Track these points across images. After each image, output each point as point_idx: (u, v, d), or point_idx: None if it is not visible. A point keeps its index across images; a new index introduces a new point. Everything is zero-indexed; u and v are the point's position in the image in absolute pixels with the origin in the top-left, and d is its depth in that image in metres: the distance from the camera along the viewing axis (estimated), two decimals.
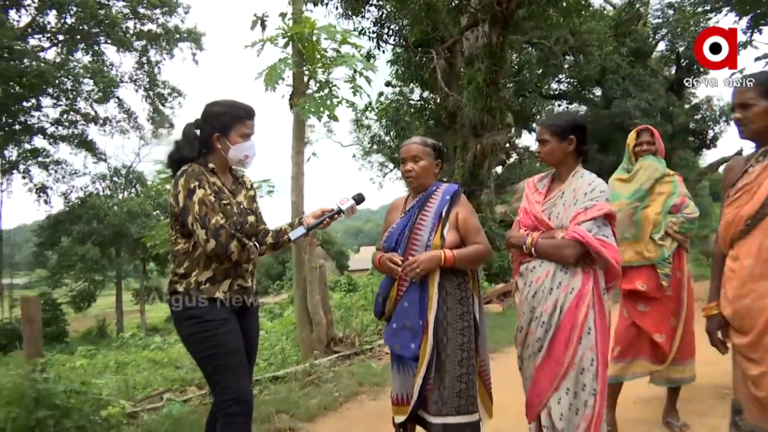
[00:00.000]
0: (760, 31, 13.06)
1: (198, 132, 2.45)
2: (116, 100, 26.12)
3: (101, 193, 28.62)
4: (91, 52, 24.62)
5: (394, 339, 2.50)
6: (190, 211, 2.25)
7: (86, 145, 26.08)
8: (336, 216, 2.52)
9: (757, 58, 12.34)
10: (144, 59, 26.04)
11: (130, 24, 24.99)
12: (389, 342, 2.54)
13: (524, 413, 2.48)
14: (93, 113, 25.81)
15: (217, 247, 2.24)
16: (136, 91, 26.68)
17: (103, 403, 3.48)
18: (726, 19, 14.27)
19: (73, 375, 5.68)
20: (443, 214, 2.49)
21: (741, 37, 14.68)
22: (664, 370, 3.32)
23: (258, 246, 2.46)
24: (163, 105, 27.21)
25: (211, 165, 2.42)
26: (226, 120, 2.41)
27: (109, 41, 24.51)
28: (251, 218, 2.48)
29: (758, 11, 12.51)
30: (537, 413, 2.33)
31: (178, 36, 25.82)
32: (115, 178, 29.63)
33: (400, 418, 2.54)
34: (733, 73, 14.62)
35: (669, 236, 3.21)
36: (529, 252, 2.36)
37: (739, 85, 2.11)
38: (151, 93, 26.65)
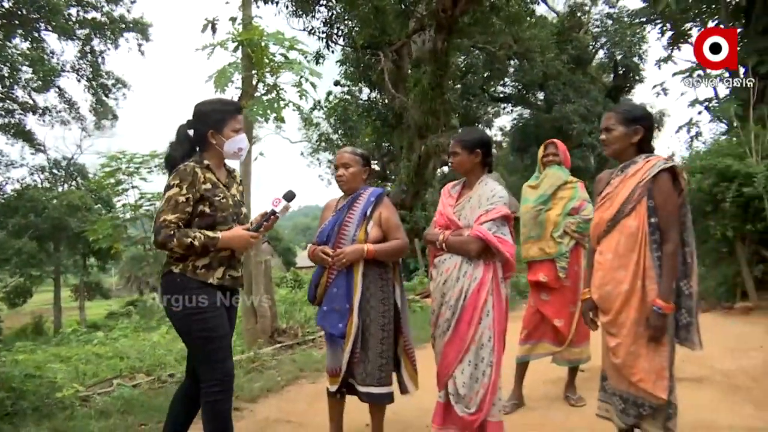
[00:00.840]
0: (679, 48, 14.10)
1: (191, 132, 2.61)
2: (57, 90, 25.25)
3: (40, 186, 27.63)
4: (30, 39, 23.67)
5: (325, 320, 2.94)
6: (161, 201, 2.47)
7: (24, 135, 25.13)
8: (273, 218, 2.66)
9: (675, 74, 13.27)
10: (87, 48, 25.23)
11: (73, 11, 24.18)
12: (321, 323, 2.97)
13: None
14: (31, 102, 24.92)
15: (155, 241, 2.45)
16: (79, 80, 25.81)
17: (58, 387, 3.70)
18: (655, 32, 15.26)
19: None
20: (368, 213, 2.94)
21: (662, 53, 15.79)
22: (563, 352, 3.84)
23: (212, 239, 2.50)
24: (106, 96, 26.42)
25: (206, 162, 2.57)
26: (219, 116, 2.57)
27: (50, 28, 23.65)
28: (244, 209, 2.67)
29: (673, 32, 13.51)
30: (445, 383, 2.77)
31: (123, 26, 25.11)
32: (55, 170, 28.54)
33: (333, 387, 2.99)
34: (654, 86, 15.63)
35: (567, 235, 3.75)
36: (441, 247, 2.80)
37: (608, 112, 2.61)
38: (94, 83, 25.82)
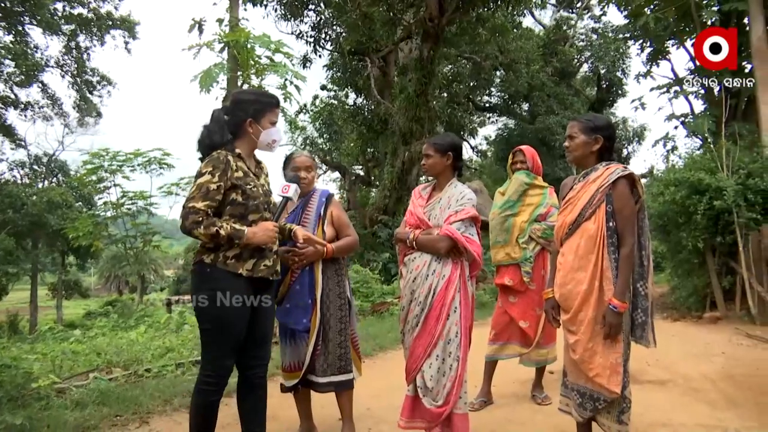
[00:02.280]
0: (657, 64, 14.47)
1: (227, 118, 2.61)
2: (40, 85, 24.92)
3: (19, 181, 27.25)
4: (13, 32, 23.39)
5: (288, 317, 3.08)
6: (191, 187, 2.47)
7: (4, 129, 24.74)
8: (288, 203, 2.75)
9: (652, 89, 13.62)
10: (72, 44, 25.00)
11: (59, 6, 23.95)
12: (283, 319, 3.10)
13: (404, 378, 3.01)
14: (13, 97, 24.61)
15: (181, 226, 2.42)
16: (63, 76, 25.50)
17: (33, 377, 3.74)
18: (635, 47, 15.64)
19: None
20: (322, 213, 3.15)
21: (642, 68, 16.18)
22: (530, 353, 3.97)
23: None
24: (91, 93, 26.16)
25: (238, 150, 2.57)
26: (258, 107, 2.59)
27: (35, 22, 23.42)
28: (272, 198, 2.68)
29: (653, 48, 13.88)
30: (414, 377, 2.87)
31: (110, 23, 24.93)
32: (36, 166, 28.13)
33: (292, 382, 3.14)
34: (633, 100, 16.01)
35: (533, 240, 3.88)
36: (411, 245, 2.91)
37: (572, 120, 2.76)
38: (78, 80, 25.58)
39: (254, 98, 2.69)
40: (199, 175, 2.47)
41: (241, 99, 2.68)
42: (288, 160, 3.36)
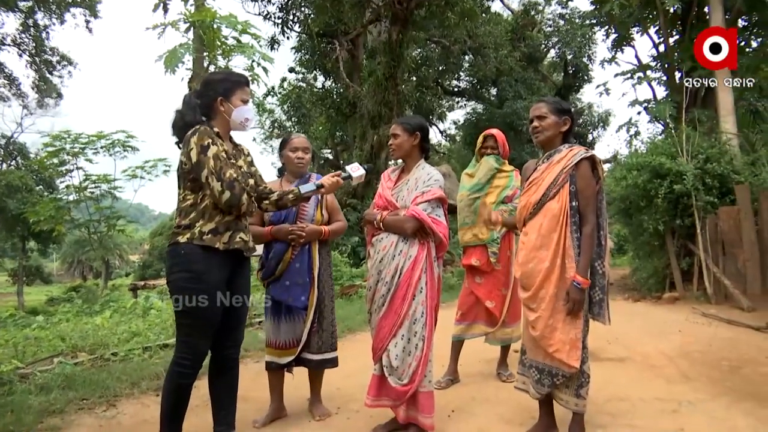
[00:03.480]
0: (622, 51, 14.73)
1: (198, 101, 2.63)
2: None
3: None
4: None
5: (287, 293, 3.14)
6: (205, 165, 2.43)
7: None
8: (346, 179, 2.87)
9: (617, 74, 13.87)
10: (30, 22, 24.08)
11: None
12: (282, 297, 3.15)
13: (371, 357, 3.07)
14: None
15: (231, 198, 2.43)
16: (20, 55, 24.59)
17: None
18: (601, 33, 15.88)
19: None
20: (320, 196, 3.24)
21: (607, 54, 16.45)
22: (496, 332, 4.06)
23: (258, 203, 2.72)
24: (50, 73, 25.29)
25: (216, 129, 2.59)
26: (228, 85, 2.61)
27: None
28: (251, 181, 2.68)
29: (618, 34, 14.13)
30: (380, 356, 2.92)
31: (70, 0, 24.16)
32: None
33: (286, 359, 3.19)
34: (598, 85, 16.29)
35: None
36: (379, 226, 2.95)
37: (538, 102, 2.82)
38: (37, 59, 24.69)
39: (223, 77, 2.72)
40: (204, 148, 2.45)
41: (211, 79, 2.72)
42: (285, 141, 3.40)
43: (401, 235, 2.89)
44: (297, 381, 3.46)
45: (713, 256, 8.14)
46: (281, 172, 3.46)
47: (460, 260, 4.39)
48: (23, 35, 24.09)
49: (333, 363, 3.29)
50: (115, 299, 14.67)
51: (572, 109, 2.84)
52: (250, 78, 6.25)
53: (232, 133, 2.75)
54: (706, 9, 11.03)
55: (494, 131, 4.14)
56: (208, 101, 2.62)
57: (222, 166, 2.45)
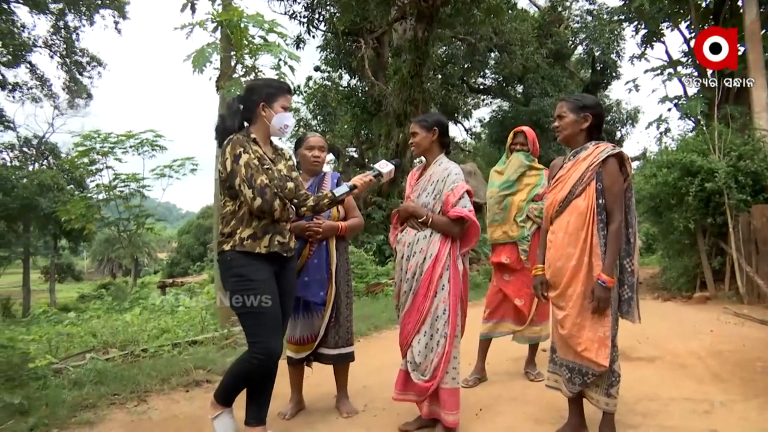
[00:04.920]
0: (652, 47, 14.44)
1: (241, 106, 2.71)
2: (28, 66, 24.54)
3: (9, 164, 26.97)
4: None
5: (306, 290, 3.16)
6: (237, 173, 2.51)
7: None
8: (377, 177, 2.90)
9: (646, 71, 13.61)
10: (61, 24, 24.62)
11: None
12: (301, 292, 3.14)
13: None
14: (0, 77, 24.28)
15: (263, 204, 2.51)
16: (51, 57, 25.14)
17: (30, 358, 3.76)
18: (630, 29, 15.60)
19: None
20: None
21: (636, 50, 16.17)
22: (524, 330, 4.02)
23: (296, 208, 2.77)
24: (80, 74, 25.82)
25: (253, 135, 2.67)
26: (271, 91, 2.69)
27: (21, 1, 23.03)
28: (290, 184, 2.71)
29: (648, 30, 13.86)
30: (406, 352, 2.93)
31: (99, 2, 24.54)
32: (25, 149, 27.84)
33: (303, 354, 3.24)
34: (627, 82, 16.00)
35: (530, 219, 3.91)
36: (425, 223, 2.90)
37: (560, 101, 2.79)
38: (67, 60, 25.22)
39: (267, 83, 2.79)
40: (237, 157, 2.53)
41: (254, 85, 2.81)
42: (301, 140, 3.42)
43: (448, 236, 2.89)
44: (321, 378, 3.48)
45: (746, 255, 7.94)
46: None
47: (487, 259, 4.36)
48: (54, 37, 24.64)
49: (349, 358, 3.31)
50: (144, 296, 14.95)
51: (598, 104, 2.77)
52: (276, 77, 6.33)
53: (273, 138, 2.82)
54: (739, 2, 10.75)
55: (524, 128, 4.10)
56: (251, 105, 2.69)
57: (253, 173, 2.51)
